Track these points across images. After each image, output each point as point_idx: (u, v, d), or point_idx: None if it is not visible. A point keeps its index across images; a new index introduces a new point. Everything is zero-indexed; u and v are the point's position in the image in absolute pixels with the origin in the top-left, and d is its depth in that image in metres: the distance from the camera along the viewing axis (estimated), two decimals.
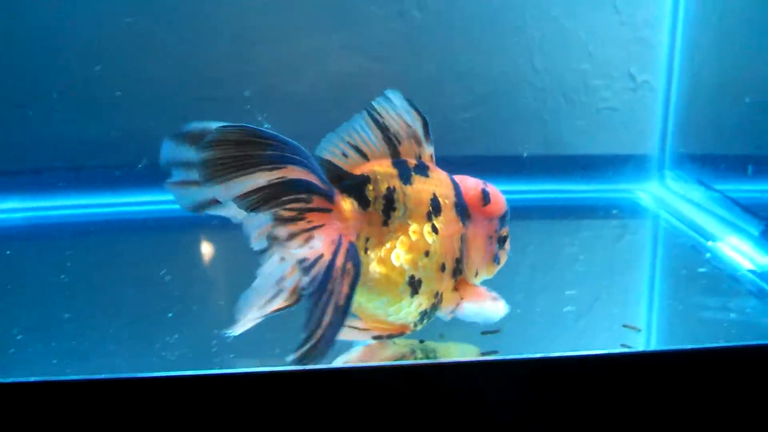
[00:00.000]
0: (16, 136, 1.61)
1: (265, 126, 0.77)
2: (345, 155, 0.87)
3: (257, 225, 0.85)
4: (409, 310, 0.89)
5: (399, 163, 0.89)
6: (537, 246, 1.43)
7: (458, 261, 0.92)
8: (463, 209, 0.93)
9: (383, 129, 0.88)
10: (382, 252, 0.86)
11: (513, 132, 1.77)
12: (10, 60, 1.58)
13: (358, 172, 0.87)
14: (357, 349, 0.92)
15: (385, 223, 0.87)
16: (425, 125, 0.90)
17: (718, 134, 1.70)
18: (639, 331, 1.00)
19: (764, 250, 1.35)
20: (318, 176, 0.80)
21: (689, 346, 0.85)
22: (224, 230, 0.91)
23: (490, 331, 0.96)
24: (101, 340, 0.97)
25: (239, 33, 1.64)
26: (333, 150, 0.87)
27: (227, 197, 0.76)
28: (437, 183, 0.91)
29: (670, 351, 0.88)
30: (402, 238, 0.87)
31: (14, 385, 0.76)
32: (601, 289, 1.19)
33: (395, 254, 0.87)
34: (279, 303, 0.84)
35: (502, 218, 0.98)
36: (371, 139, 0.88)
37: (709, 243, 1.43)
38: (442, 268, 0.90)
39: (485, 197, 0.95)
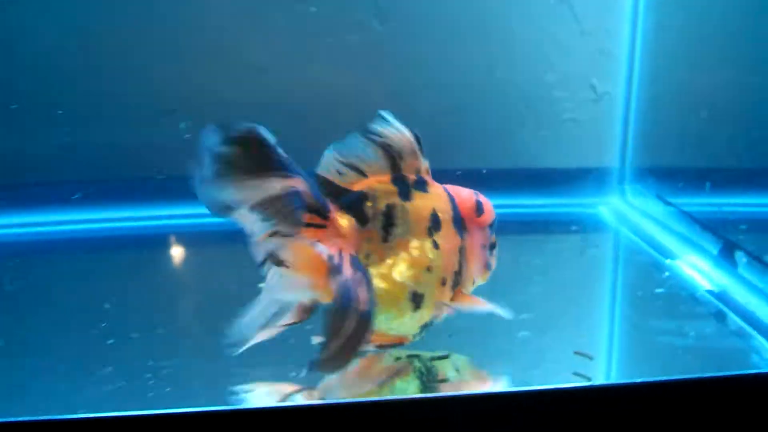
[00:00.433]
0: None
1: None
2: (340, 173, 0.88)
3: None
4: (410, 324, 0.91)
5: (398, 179, 0.90)
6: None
7: (457, 273, 0.93)
8: (460, 222, 0.94)
9: (383, 147, 0.88)
10: (384, 268, 0.87)
11: (475, 144, 1.75)
12: None
13: (356, 188, 0.88)
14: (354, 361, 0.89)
15: (385, 240, 0.88)
16: (418, 140, 0.91)
17: (677, 148, 1.68)
18: (591, 359, 0.97)
19: (722, 269, 1.33)
20: (313, 192, 0.82)
21: (639, 380, 0.83)
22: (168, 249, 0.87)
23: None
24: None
25: (201, 46, 1.59)
26: (330, 168, 0.88)
27: (234, 197, 0.76)
28: (436, 198, 0.92)
29: (619, 385, 0.86)
30: (403, 254, 0.88)
31: None
32: (556, 312, 1.17)
33: (397, 270, 0.88)
34: (284, 320, 0.85)
35: (491, 225, 0.99)
36: (370, 157, 0.88)
37: (668, 261, 1.41)
38: (443, 282, 0.91)
39: (479, 208, 0.96)
